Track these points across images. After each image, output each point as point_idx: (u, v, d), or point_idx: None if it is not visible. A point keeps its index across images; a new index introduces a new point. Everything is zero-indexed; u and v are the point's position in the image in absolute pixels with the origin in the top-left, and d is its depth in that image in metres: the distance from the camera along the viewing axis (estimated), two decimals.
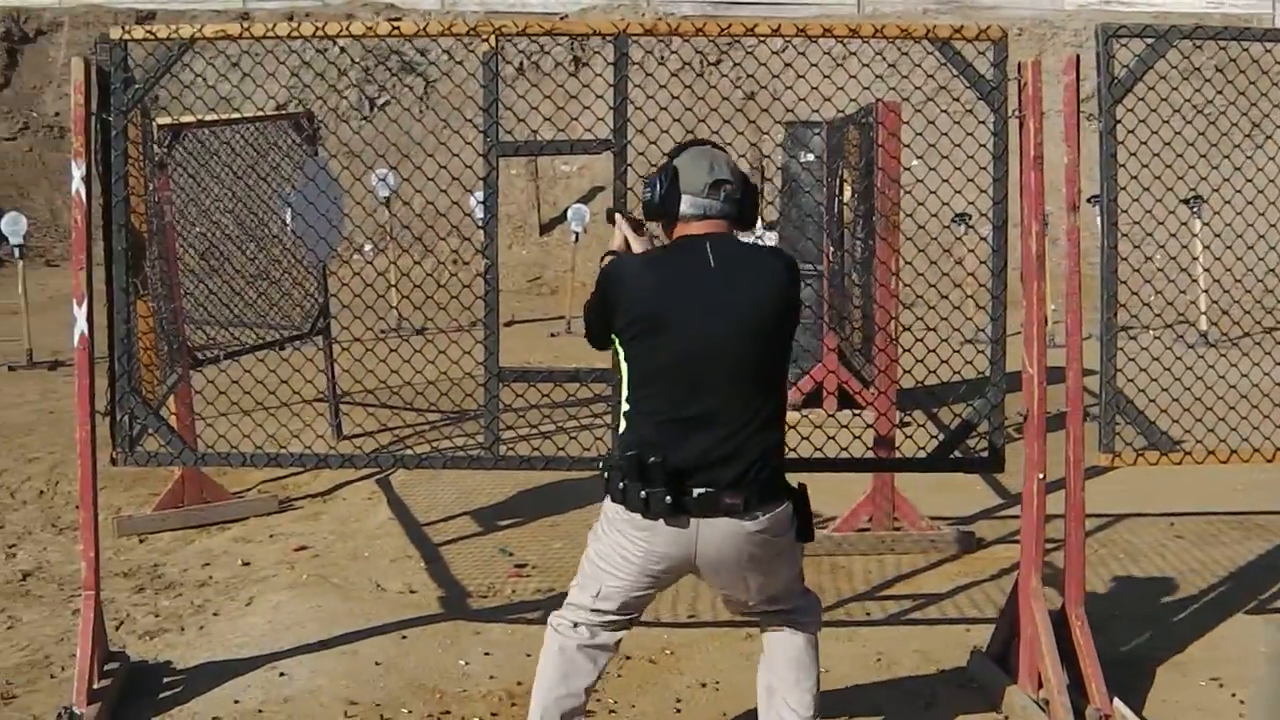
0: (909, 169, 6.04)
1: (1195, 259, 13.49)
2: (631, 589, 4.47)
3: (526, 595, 6.85)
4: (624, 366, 4.47)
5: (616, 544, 4.42)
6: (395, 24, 5.37)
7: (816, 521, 4.67)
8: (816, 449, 5.84)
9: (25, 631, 6.44)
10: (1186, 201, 12.76)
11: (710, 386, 4.29)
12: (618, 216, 4.89)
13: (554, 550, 7.51)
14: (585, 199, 17.04)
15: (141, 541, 7.86)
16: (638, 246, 4.80)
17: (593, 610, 4.55)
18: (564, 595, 6.49)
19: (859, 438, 6.39)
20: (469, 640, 6.20)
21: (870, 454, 7.03)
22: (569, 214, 14.92)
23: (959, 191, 5.67)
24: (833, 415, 7.56)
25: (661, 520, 4.27)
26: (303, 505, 8.45)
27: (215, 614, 6.62)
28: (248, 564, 7.42)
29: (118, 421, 5.53)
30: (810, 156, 10.01)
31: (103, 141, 5.43)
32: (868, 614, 6.66)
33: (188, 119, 8.23)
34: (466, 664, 5.93)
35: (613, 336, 4.50)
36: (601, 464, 4.62)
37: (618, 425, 4.64)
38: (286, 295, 9.39)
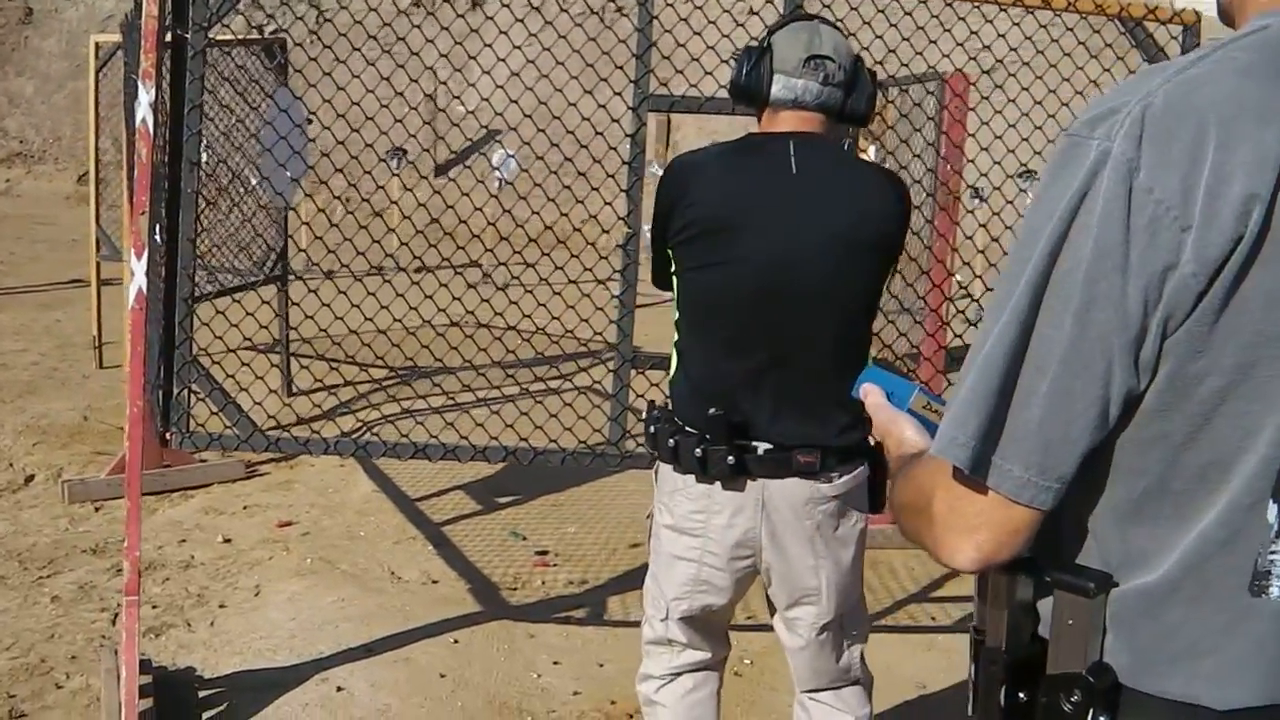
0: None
1: None
2: (701, 592, 3.65)
3: (559, 588, 6.16)
4: (676, 291, 3.64)
5: (670, 536, 3.64)
6: None
7: None
8: None
9: (4, 625, 5.58)
10: None
11: (783, 321, 3.46)
12: None
13: (569, 536, 6.82)
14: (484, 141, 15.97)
15: (97, 510, 6.97)
16: None
17: (670, 641, 3.77)
18: (598, 588, 5.81)
19: None
20: (526, 644, 5.51)
21: None
22: (495, 159, 13.63)
23: None
24: None
25: (719, 485, 3.50)
26: (269, 471, 7.60)
27: (221, 605, 5.81)
28: (229, 541, 6.59)
29: (175, 397, 4.70)
30: None
31: (174, 63, 4.61)
32: (933, 619, 6.12)
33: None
34: (539, 676, 5.25)
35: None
36: (647, 417, 3.70)
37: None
38: (254, 237, 8.46)
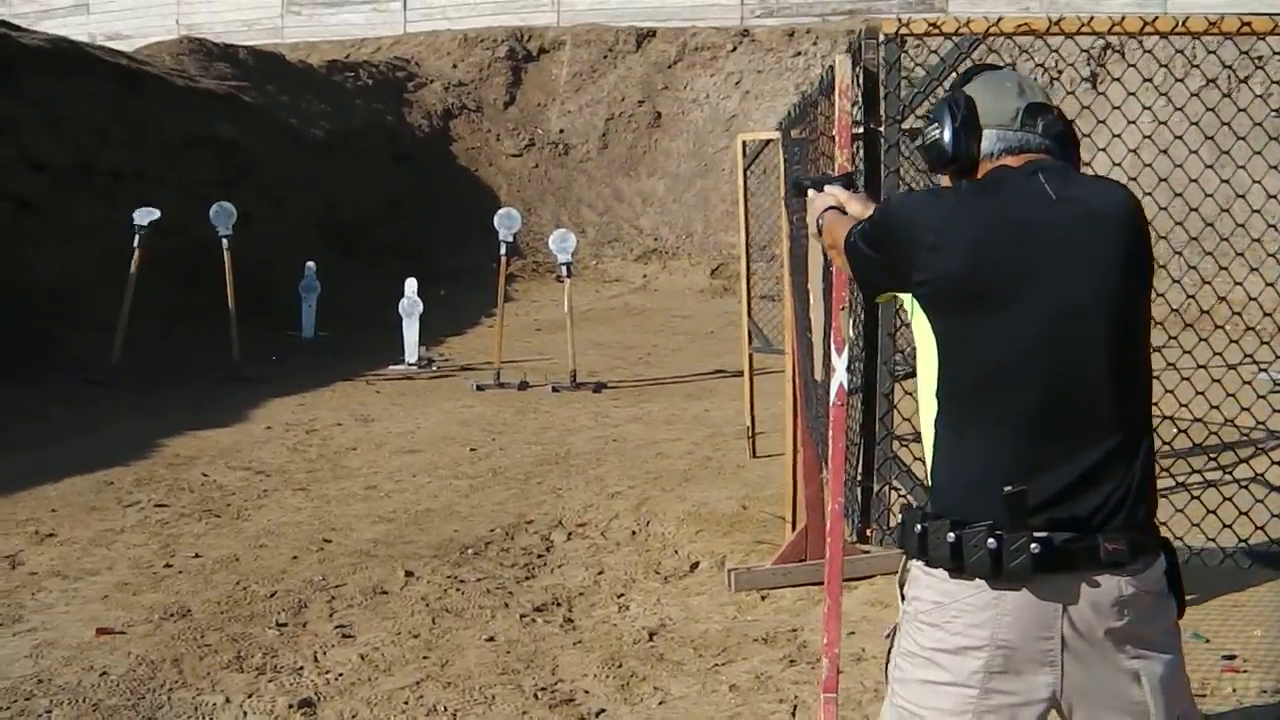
0: None
1: None
2: None
3: (1251, 697, 5.73)
4: (929, 350, 3.04)
5: (945, 659, 2.94)
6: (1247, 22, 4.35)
7: None
8: None
9: (685, 711, 5.69)
10: None
11: (1073, 378, 2.92)
12: (813, 191, 3.77)
13: (1256, 640, 6.36)
14: None
15: (763, 599, 7.07)
16: (856, 207, 3.57)
17: None
18: None
19: None
20: None
21: None
22: None
23: None
24: None
25: (1012, 588, 2.84)
26: None
27: None
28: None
29: (875, 493, 4.67)
30: None
31: (868, 157, 4.62)
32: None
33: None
34: None
35: (899, 297, 3.16)
36: (905, 517, 3.10)
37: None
38: None
